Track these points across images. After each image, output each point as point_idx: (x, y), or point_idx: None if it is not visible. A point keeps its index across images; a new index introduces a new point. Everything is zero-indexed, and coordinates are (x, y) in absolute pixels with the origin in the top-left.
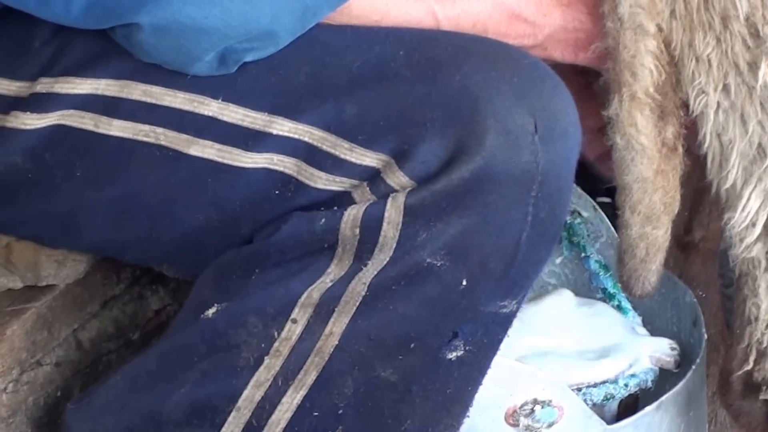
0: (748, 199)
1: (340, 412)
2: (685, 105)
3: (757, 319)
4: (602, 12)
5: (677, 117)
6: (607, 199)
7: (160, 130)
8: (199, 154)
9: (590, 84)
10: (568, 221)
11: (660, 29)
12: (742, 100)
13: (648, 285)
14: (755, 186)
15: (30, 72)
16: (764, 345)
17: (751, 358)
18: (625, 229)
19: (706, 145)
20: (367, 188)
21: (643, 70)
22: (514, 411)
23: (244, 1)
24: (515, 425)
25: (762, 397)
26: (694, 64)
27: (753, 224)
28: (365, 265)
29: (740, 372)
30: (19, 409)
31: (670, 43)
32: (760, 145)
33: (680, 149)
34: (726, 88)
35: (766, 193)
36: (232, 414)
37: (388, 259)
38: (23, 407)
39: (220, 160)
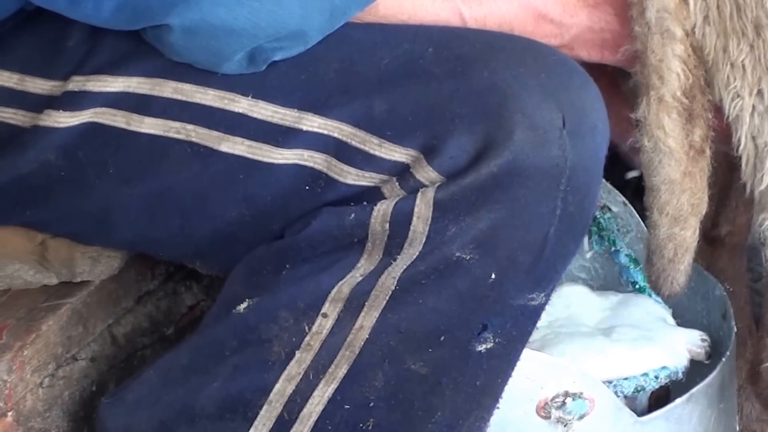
0: None
1: (371, 404)
2: (714, 107)
3: None
4: (630, 16)
5: (705, 120)
6: (635, 173)
7: (191, 127)
8: (230, 151)
9: (617, 80)
10: (598, 216)
11: (688, 34)
12: None
13: (676, 285)
14: None
15: (63, 71)
16: None
17: None
18: (653, 229)
19: (740, 147)
20: (397, 183)
21: (670, 74)
22: (546, 403)
23: (273, 2)
24: (546, 417)
25: None
26: (729, 69)
27: None
28: (395, 260)
29: None
30: (55, 404)
31: (703, 48)
32: None
33: (708, 151)
34: (760, 93)
35: None
36: (264, 407)
37: (417, 253)
38: (59, 402)
39: (251, 156)
